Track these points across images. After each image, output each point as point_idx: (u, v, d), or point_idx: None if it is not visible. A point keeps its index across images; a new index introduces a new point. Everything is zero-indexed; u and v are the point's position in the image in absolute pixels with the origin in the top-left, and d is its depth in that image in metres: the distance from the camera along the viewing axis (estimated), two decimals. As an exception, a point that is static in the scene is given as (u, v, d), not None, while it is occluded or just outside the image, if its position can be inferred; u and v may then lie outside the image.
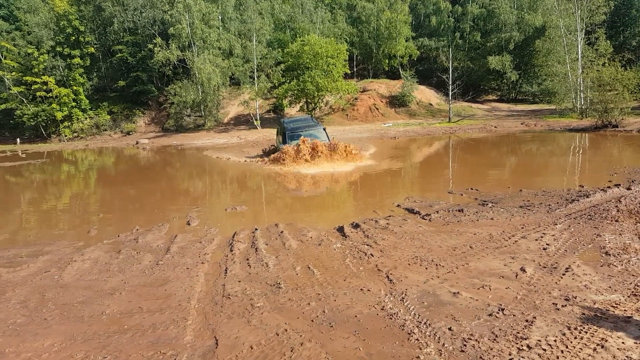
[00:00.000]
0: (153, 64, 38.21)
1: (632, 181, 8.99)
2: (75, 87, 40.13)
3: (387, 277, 4.76)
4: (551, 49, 37.23)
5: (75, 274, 5.61)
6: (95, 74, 43.26)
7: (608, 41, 32.93)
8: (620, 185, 8.56)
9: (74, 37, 40.32)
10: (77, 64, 40.25)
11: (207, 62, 35.58)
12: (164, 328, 3.98)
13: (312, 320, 3.89)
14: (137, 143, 34.07)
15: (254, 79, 38.26)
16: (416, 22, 49.80)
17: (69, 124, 40.69)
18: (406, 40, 45.31)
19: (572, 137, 21.18)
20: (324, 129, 16.31)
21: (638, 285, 4.08)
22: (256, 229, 7.22)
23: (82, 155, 29.33)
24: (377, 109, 39.29)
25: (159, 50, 36.57)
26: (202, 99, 37.73)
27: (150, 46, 37.79)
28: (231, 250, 6.16)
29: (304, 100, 36.80)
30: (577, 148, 17.40)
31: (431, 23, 48.38)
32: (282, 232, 6.93)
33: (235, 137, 32.50)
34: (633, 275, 4.33)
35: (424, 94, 42.79)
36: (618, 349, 3.09)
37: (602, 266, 4.63)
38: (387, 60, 46.53)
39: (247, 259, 5.73)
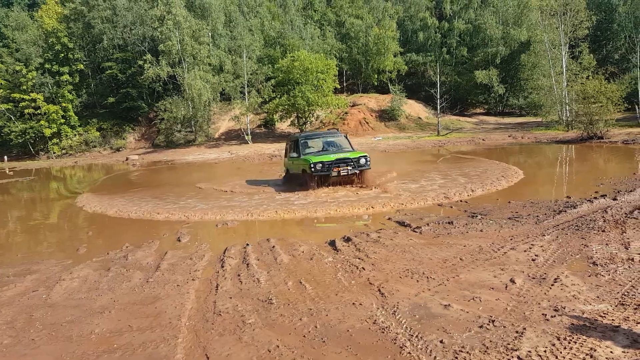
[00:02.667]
0: (143, 80, 38.31)
1: (618, 192, 9.15)
2: (64, 104, 40.04)
3: (379, 290, 4.77)
4: (536, 63, 38.04)
5: (64, 293, 5.54)
6: (84, 91, 43.23)
7: (591, 55, 33.74)
8: (606, 195, 8.70)
9: (62, 54, 40.36)
10: (66, 81, 40.24)
11: (197, 78, 35.77)
12: (154, 347, 3.94)
13: (304, 336, 3.88)
14: (127, 159, 33.95)
15: (244, 94, 38.51)
16: (404, 37, 50.69)
17: (58, 140, 40.48)
18: (394, 56, 46.03)
19: (558, 148, 21.52)
20: (346, 137, 13.62)
21: (625, 295, 4.14)
22: (247, 245, 7.20)
23: (71, 172, 29.11)
24: (367, 122, 39.63)
25: (149, 67, 36.74)
26: (192, 115, 37.81)
27: (140, 62, 37.96)
28: (222, 267, 6.14)
29: (295, 115, 37.04)
30: (564, 159, 17.67)
31: (419, 39, 49.26)
32: (273, 247, 6.92)
33: (226, 152, 32.52)
34: (620, 284, 4.39)
35: (413, 108, 43.32)
36: (607, 358, 3.13)
37: (589, 276, 4.69)
38: (376, 75, 47.15)
39: (239, 275, 5.70)
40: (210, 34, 39.73)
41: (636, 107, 27.55)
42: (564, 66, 33.21)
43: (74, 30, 41.82)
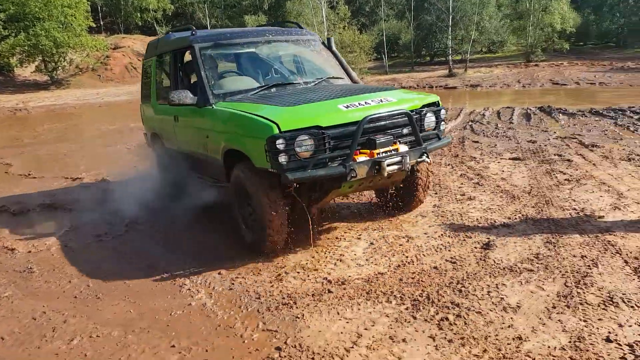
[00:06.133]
0: None
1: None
2: None
3: (158, 238, 4.76)
4: (301, 12, 40.56)
5: None
6: None
7: (346, 6, 37.68)
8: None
9: None
10: None
11: None
12: None
13: (76, 297, 3.65)
14: None
15: (-40, 31, 29.85)
16: (167, -28, 46.85)
17: None
18: (158, -8, 42.41)
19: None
20: (327, 44, 5.99)
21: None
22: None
23: None
24: (135, 68, 36.14)
25: None
26: None
27: None
28: (-43, 243, 5.04)
29: (41, 58, 30.96)
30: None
31: (183, -26, 46.34)
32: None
33: (-58, 105, 25.21)
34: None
35: (185, 53, 41.54)
36: (351, 259, 3.94)
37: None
38: (139, 14, 42.79)
39: (-17, 250, 4.80)
40: None
41: (383, 56, 32.39)
42: (324, 16, 36.43)
43: None
